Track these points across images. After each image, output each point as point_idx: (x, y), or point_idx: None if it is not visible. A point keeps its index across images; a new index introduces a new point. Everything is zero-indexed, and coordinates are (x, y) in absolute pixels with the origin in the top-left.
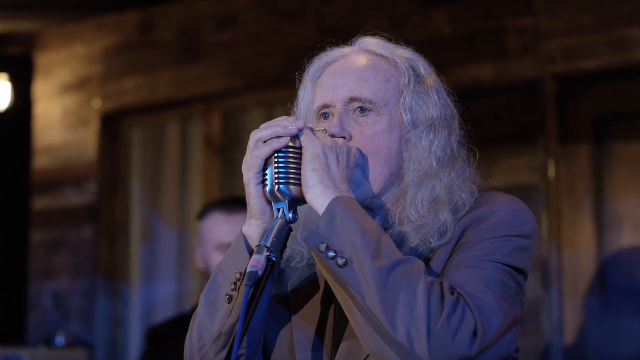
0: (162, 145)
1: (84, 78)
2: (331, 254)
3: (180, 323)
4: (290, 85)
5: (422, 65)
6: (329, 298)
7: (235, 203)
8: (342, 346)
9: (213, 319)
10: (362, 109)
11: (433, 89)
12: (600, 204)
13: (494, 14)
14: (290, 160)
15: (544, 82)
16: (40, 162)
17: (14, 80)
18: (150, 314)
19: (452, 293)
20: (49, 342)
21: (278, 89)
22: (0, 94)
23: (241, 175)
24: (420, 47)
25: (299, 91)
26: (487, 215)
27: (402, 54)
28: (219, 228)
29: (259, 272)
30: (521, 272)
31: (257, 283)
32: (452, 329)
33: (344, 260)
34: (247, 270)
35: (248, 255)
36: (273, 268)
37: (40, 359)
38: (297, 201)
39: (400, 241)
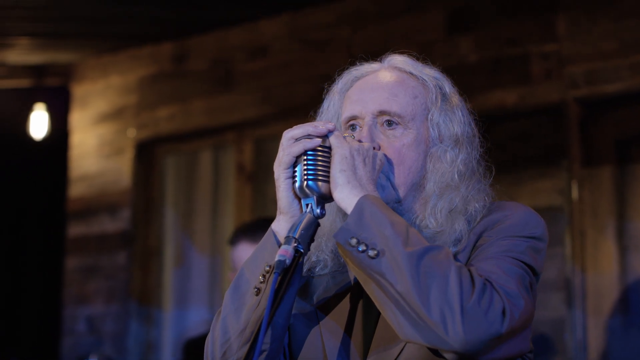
0: (195, 172)
1: (119, 108)
2: (362, 248)
3: None
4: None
5: (447, 85)
6: (356, 302)
7: (262, 229)
8: (373, 349)
9: (239, 312)
10: (390, 122)
11: (458, 107)
12: (623, 226)
13: (519, 40)
14: (319, 158)
15: (568, 106)
16: (76, 190)
17: (51, 110)
18: (182, 339)
19: (480, 276)
20: None
21: (309, 117)
22: (38, 124)
23: (273, 202)
24: (447, 74)
25: (324, 102)
26: (501, 219)
27: (429, 73)
28: (244, 258)
29: (287, 261)
30: (535, 273)
31: (285, 272)
32: (483, 308)
33: (375, 252)
34: (276, 260)
35: (278, 249)
36: (300, 260)
37: None
38: (325, 198)
39: None
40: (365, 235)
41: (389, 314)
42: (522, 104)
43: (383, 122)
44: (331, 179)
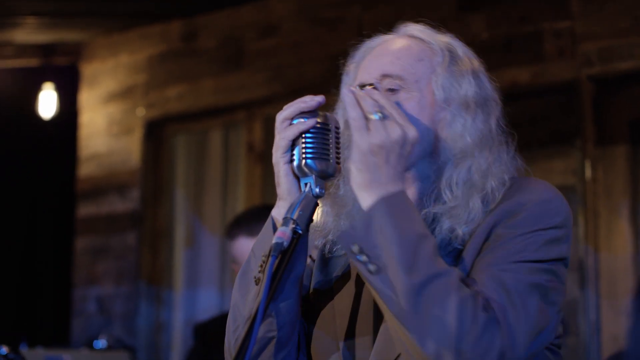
0: (205, 152)
1: (128, 87)
2: (363, 258)
3: (226, 320)
4: (331, 92)
5: (462, 50)
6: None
7: (257, 219)
8: (379, 339)
9: (245, 301)
10: (392, 89)
11: (469, 71)
12: (638, 206)
13: (531, 18)
14: (317, 136)
15: (581, 84)
16: (86, 169)
17: (60, 89)
18: (193, 319)
19: (486, 310)
20: (91, 344)
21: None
22: (47, 103)
23: None
24: None
25: (344, 76)
26: (516, 210)
27: (442, 38)
28: (244, 252)
29: (285, 243)
30: (558, 260)
31: (283, 254)
32: (480, 351)
33: (375, 267)
34: (273, 242)
35: None
36: (299, 241)
37: None
38: (324, 176)
39: (431, 223)
40: (370, 246)
41: (387, 321)
42: (535, 83)
43: (386, 89)
44: (349, 175)
